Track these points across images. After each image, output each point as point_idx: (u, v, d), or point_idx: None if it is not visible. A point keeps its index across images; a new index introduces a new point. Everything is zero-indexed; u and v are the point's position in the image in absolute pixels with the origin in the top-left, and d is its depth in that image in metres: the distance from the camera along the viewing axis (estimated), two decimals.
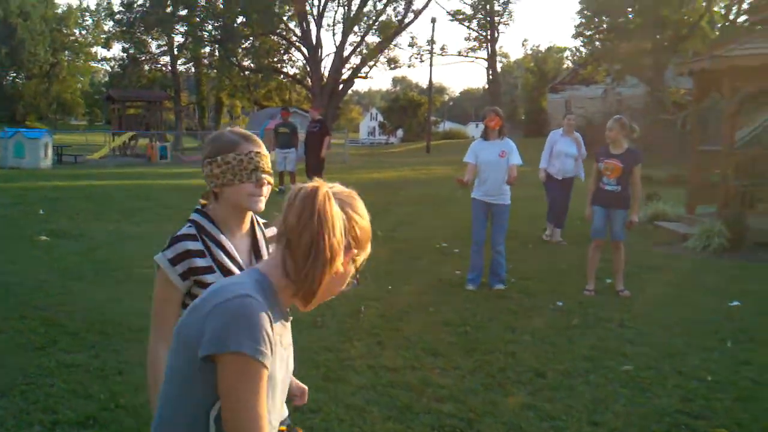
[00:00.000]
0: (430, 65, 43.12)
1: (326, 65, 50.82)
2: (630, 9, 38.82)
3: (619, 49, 37.89)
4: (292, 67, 55.34)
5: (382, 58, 50.30)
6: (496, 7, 45.01)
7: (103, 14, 67.62)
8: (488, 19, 45.11)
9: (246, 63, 52.19)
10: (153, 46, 53.15)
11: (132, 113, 37.07)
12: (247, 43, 49.89)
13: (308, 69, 51.47)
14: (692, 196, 11.27)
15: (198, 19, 47.30)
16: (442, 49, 53.75)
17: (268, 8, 46.61)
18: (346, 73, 51.28)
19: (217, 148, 2.23)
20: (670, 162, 20.17)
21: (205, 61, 51.73)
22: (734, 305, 6.88)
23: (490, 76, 47.21)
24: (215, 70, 51.04)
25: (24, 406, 4.13)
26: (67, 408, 4.10)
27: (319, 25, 50.66)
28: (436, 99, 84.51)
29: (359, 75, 51.08)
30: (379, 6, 49.85)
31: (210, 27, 48.70)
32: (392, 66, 50.48)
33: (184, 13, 47.68)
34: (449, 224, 11.59)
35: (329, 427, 3.98)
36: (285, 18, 51.38)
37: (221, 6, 46.71)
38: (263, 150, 2.24)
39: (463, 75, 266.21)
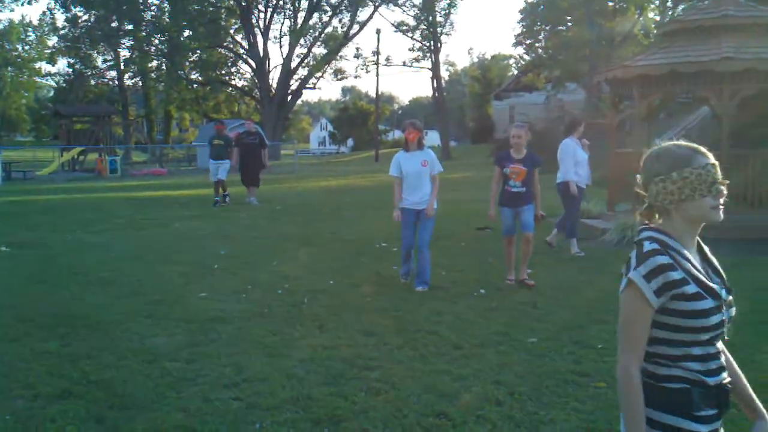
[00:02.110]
0: (377, 76, 44.17)
1: (274, 77, 51.40)
2: (568, 18, 40.35)
3: (557, 56, 39.36)
4: (240, 80, 55.78)
5: (329, 70, 50.98)
6: (438, 18, 46.16)
7: (46, 29, 67.06)
8: (431, 30, 46.16)
9: (194, 76, 52.49)
10: (99, 60, 53.10)
11: (80, 128, 37.09)
12: (194, 57, 50.19)
13: (256, 81, 51.94)
14: (612, 195, 12.26)
15: (144, 33, 47.47)
16: (387, 59, 54.80)
17: (215, 21, 47.01)
18: (294, 84, 51.92)
19: (670, 164, 2.19)
20: (605, 164, 21.31)
21: (153, 75, 51.84)
22: None
23: (435, 86, 48.19)
24: (163, 84, 51.19)
25: (6, 384, 4.77)
26: (45, 384, 4.75)
27: (265, 38, 51.28)
28: (385, 108, 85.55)
29: (307, 86, 51.75)
30: (325, 18, 50.66)
31: (156, 41, 48.85)
32: (339, 77, 51.35)
33: (129, 27, 47.78)
34: (390, 226, 12.32)
35: (273, 392, 4.69)
36: (231, 31, 51.83)
37: (167, 20, 46.90)
38: (714, 160, 2.21)
39: (411, 84, 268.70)
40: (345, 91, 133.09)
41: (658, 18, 39.83)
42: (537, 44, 42.16)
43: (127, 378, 4.92)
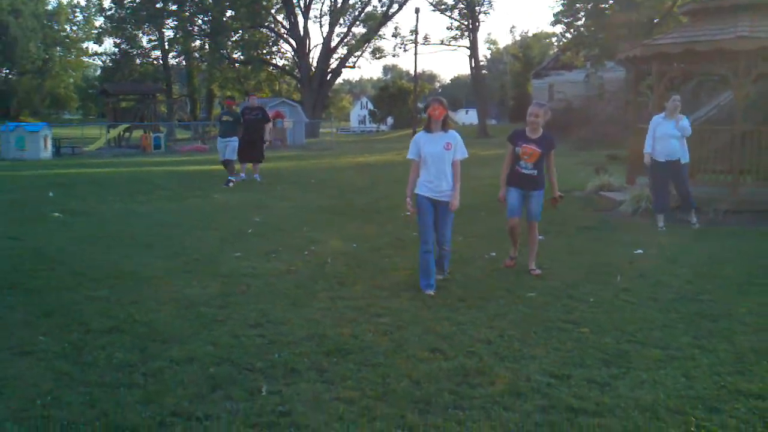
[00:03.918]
0: (415, 54, 44.55)
1: (314, 56, 52.09)
2: None
3: (596, 34, 39.29)
4: (281, 59, 56.57)
5: (368, 49, 51.47)
6: None
7: (93, 10, 68.80)
8: (469, 9, 46.29)
9: (236, 55, 53.44)
10: (144, 40, 54.38)
11: (126, 106, 38.30)
12: (236, 36, 51.12)
13: (296, 60, 52.68)
14: (631, 169, 12.67)
15: (188, 13, 48.46)
16: (426, 38, 55.02)
17: (256, 2, 47.76)
18: (333, 64, 52.54)
19: None
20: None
21: (196, 55, 52.89)
22: (637, 253, 8.30)
23: (473, 64, 48.38)
24: (206, 63, 52.23)
25: (64, 321, 5.52)
26: (97, 322, 5.49)
27: (306, 17, 51.98)
28: (426, 86, 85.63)
29: (346, 65, 52.34)
30: None
31: (199, 21, 49.86)
32: (377, 56, 51.78)
33: (174, 8, 48.82)
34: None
35: (292, 331, 5.36)
36: (273, 11, 52.55)
37: (210, 1, 47.79)
38: None
39: (453, 62, 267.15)
40: (386, 69, 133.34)
41: None
42: (576, 23, 42.10)
43: (167, 319, 5.64)
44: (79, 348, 4.94)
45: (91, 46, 74.38)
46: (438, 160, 6.62)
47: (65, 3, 74.22)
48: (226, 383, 4.34)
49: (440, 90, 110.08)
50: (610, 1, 40.21)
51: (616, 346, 5.08)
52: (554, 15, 42.06)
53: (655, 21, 37.41)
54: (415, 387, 4.31)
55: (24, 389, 4.20)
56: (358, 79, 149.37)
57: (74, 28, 75.82)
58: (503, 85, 78.52)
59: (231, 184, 15.49)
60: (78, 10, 74.43)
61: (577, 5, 41.19)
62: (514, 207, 7.46)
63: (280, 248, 8.62)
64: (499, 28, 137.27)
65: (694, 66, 11.39)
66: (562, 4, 41.52)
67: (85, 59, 76.77)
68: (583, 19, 41.38)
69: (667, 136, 10.11)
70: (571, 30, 42.90)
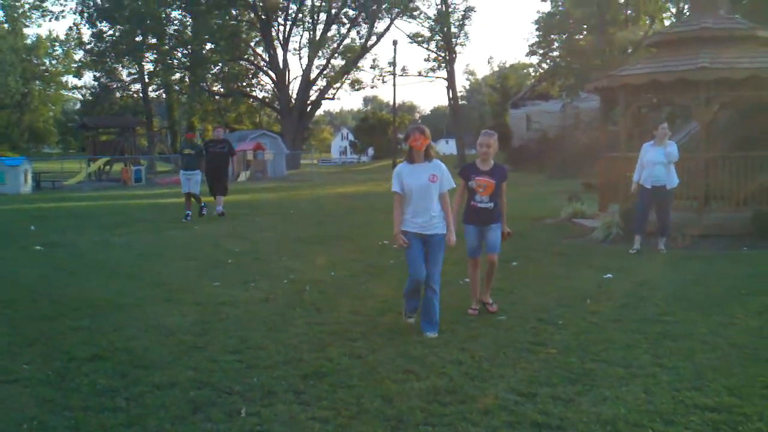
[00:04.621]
0: (394, 86, 44.98)
1: (294, 88, 52.55)
2: (584, 26, 41.09)
3: (571, 64, 40.09)
4: (261, 91, 56.99)
5: (347, 80, 52.04)
6: (453, 29, 47.05)
7: (73, 44, 68.88)
8: (445, 41, 47.09)
9: (216, 88, 53.77)
10: (124, 74, 54.59)
11: (106, 139, 38.43)
12: (216, 69, 51.47)
13: (276, 92, 53.10)
14: (603, 196, 13.01)
15: (167, 47, 48.79)
16: (404, 70, 55.62)
17: (236, 35, 48.24)
18: (313, 95, 53.00)
19: None
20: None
21: (176, 88, 53.17)
22: (607, 277, 8.56)
23: (451, 96, 49.06)
24: (186, 96, 52.51)
25: (46, 350, 5.66)
26: (79, 350, 5.63)
27: (285, 50, 52.53)
28: (406, 117, 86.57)
29: (326, 97, 52.83)
30: (343, 30, 51.75)
31: (179, 54, 50.18)
32: (356, 88, 52.32)
33: (153, 41, 49.16)
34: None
35: (270, 356, 5.54)
36: (252, 44, 53.07)
37: (190, 34, 48.21)
38: None
39: (433, 93, 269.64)
40: (366, 101, 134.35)
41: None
42: (551, 53, 42.98)
43: (148, 346, 5.80)
44: (62, 375, 5.08)
45: (71, 80, 74.27)
46: (423, 193, 6.15)
47: (44, 37, 74.41)
48: (206, 406, 4.50)
49: (420, 120, 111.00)
50: (584, 33, 41.18)
51: (581, 365, 5.30)
52: (529, 46, 42.96)
53: (629, 51, 38.29)
54: (388, 406, 4.50)
55: (9, 414, 4.34)
56: (338, 111, 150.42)
57: (53, 61, 75.87)
58: (482, 115, 79.42)
59: (204, 212, 15.66)
60: (57, 43, 74.58)
61: (552, 36, 42.11)
62: (473, 246, 6.99)
63: (258, 277, 8.80)
64: (478, 59, 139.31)
65: (659, 96, 11.78)
66: (538, 36, 42.44)
67: (65, 93, 76.82)
68: (558, 50, 42.26)
69: (653, 162, 10.34)
70: (547, 60, 43.76)
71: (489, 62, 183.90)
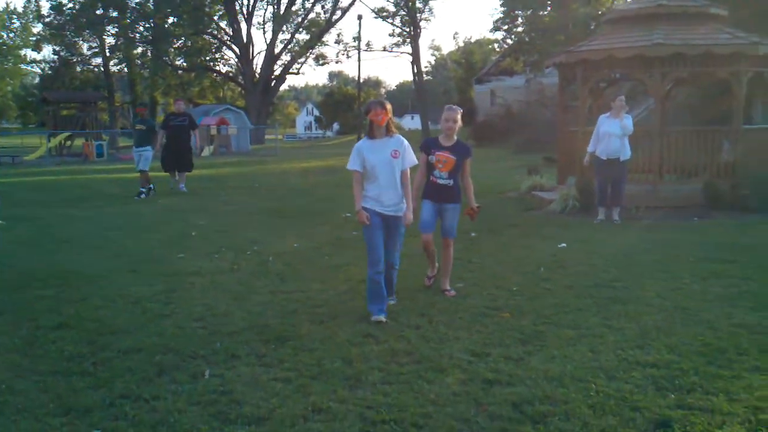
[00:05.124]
0: (359, 60, 45.07)
1: (258, 63, 52.15)
2: (548, 2, 41.33)
3: (535, 41, 40.37)
4: (224, 65, 56.43)
5: (312, 55, 51.78)
6: (417, 5, 47.03)
7: (31, 17, 67.34)
8: (410, 16, 47.06)
9: (179, 62, 53.12)
10: (84, 48, 53.62)
11: (67, 114, 37.86)
12: (179, 43, 50.84)
13: (240, 66, 52.66)
14: (562, 170, 13.31)
15: (129, 20, 48.04)
16: (368, 45, 55.68)
17: (199, 8, 47.64)
18: (278, 70, 52.67)
19: None
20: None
21: (138, 62, 52.40)
22: (561, 246, 8.85)
23: (415, 71, 49.14)
24: (148, 70, 51.80)
25: (13, 319, 5.77)
26: (46, 319, 5.76)
27: (249, 24, 51.96)
28: (371, 92, 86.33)
29: (290, 72, 52.54)
30: (308, 5, 51.38)
31: (141, 28, 49.46)
32: (321, 62, 52.13)
33: (114, 14, 48.37)
34: None
35: (234, 322, 5.71)
36: (216, 17, 52.47)
37: (152, 7, 47.50)
38: None
39: (398, 68, 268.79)
40: (332, 76, 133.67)
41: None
42: (516, 29, 43.19)
43: (114, 314, 5.93)
44: (30, 343, 5.21)
45: (30, 54, 72.70)
46: (385, 169, 5.88)
47: (1, 10, 72.63)
48: (171, 369, 4.67)
49: (385, 96, 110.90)
50: (548, 9, 41.42)
51: (533, 327, 5.55)
52: (494, 22, 43.09)
53: (592, 27, 38.65)
54: (348, 367, 4.71)
55: None
56: (303, 86, 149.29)
57: (11, 35, 74.06)
58: (447, 90, 79.55)
59: (143, 196, 14.66)
60: (15, 17, 72.82)
61: (516, 12, 42.30)
62: (427, 222, 6.74)
63: (223, 249, 8.94)
64: (443, 35, 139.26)
65: (615, 70, 12.06)
66: (502, 12, 42.59)
67: (24, 67, 75.09)
68: (522, 26, 42.48)
69: (608, 134, 10.55)
70: (512, 36, 43.97)
71: (454, 38, 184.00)
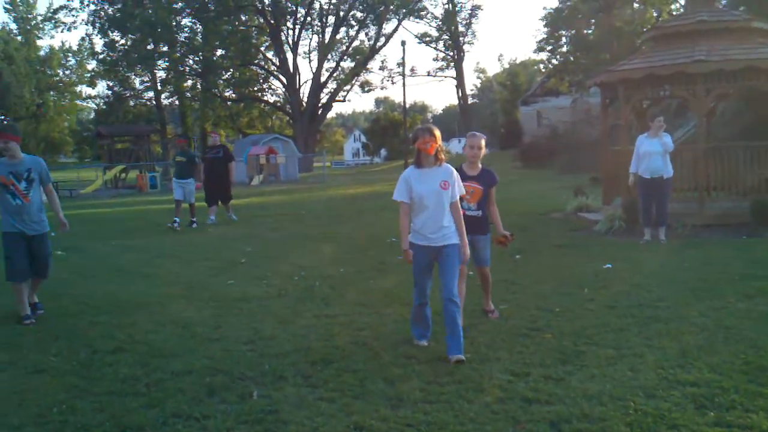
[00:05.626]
0: (403, 86, 45.16)
1: (304, 91, 52.93)
2: (592, 21, 41.26)
3: (580, 60, 40.27)
4: (272, 95, 57.40)
5: (357, 82, 52.37)
6: (460, 29, 47.31)
7: (85, 54, 69.77)
8: (453, 40, 47.36)
9: (227, 93, 54.21)
10: (137, 82, 55.14)
11: (121, 147, 38.96)
12: (227, 75, 51.93)
13: (287, 96, 53.52)
14: (607, 190, 13.27)
15: (179, 54, 49.27)
16: (412, 70, 56.01)
17: (246, 40, 48.65)
18: (324, 98, 53.39)
19: None
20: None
21: (188, 94, 53.64)
22: (606, 267, 8.85)
23: (460, 94, 49.31)
24: (198, 102, 52.98)
25: (71, 344, 6.05)
26: (101, 344, 6.02)
27: (295, 54, 52.91)
28: (418, 117, 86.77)
29: (336, 99, 53.19)
30: (352, 32, 52.08)
31: (190, 61, 50.68)
32: (366, 89, 52.60)
33: (165, 49, 49.69)
34: None
35: (281, 345, 5.89)
36: (262, 48, 53.52)
37: (200, 41, 48.69)
38: None
39: (444, 92, 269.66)
40: (378, 102, 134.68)
41: None
42: (560, 49, 43.18)
43: (165, 339, 6.17)
44: (86, 366, 5.46)
45: (85, 90, 75.13)
46: (434, 200, 5.53)
47: (57, 48, 75.31)
48: (220, 390, 4.85)
49: (431, 120, 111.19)
50: (592, 28, 41.32)
51: (573, 347, 5.60)
52: (537, 42, 43.13)
53: (638, 44, 38.41)
54: (390, 387, 4.83)
55: (40, 400, 4.73)
56: (350, 113, 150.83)
57: (67, 72, 76.81)
58: (493, 112, 79.59)
59: (194, 225, 14.81)
60: (70, 54, 75.48)
61: (560, 32, 42.29)
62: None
63: (271, 274, 9.16)
64: (488, 57, 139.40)
65: (657, 89, 12.03)
66: (546, 32, 42.62)
67: (79, 102, 77.70)
68: (566, 45, 42.43)
69: (649, 153, 10.55)
70: (556, 56, 43.92)
71: (499, 60, 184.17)
